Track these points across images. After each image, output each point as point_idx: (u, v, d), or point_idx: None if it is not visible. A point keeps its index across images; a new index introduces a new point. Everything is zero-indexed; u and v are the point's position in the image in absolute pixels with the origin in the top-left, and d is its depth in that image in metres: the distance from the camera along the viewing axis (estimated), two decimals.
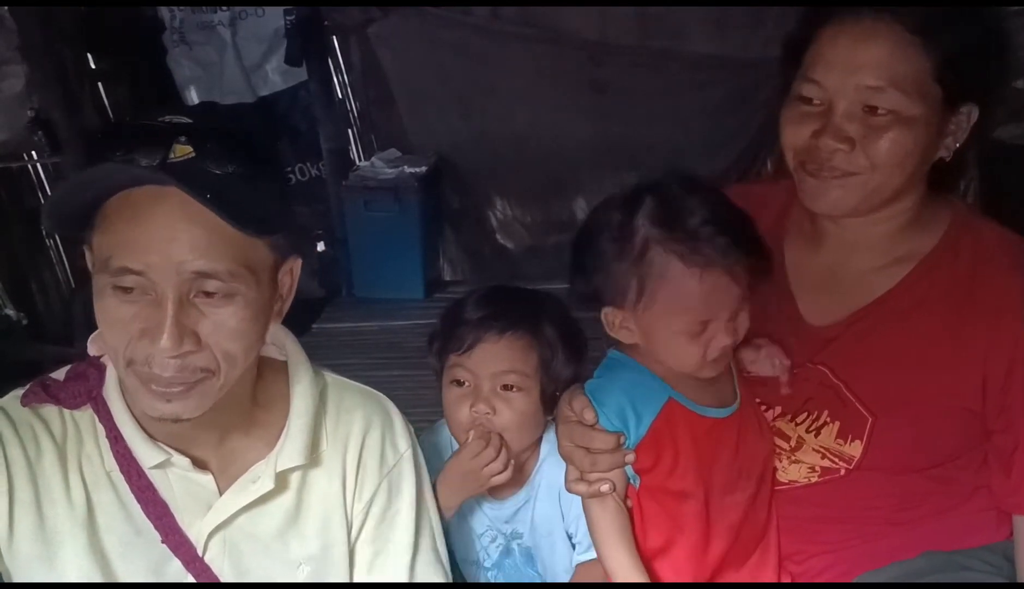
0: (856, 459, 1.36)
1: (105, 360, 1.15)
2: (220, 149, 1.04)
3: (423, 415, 1.62)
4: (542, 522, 1.50)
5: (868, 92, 1.27)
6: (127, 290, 1.01)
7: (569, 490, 1.37)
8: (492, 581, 1.54)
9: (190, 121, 1.07)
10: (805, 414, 1.40)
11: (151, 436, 1.11)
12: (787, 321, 1.44)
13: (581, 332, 1.49)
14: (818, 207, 1.37)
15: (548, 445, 1.50)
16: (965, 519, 1.38)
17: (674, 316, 1.28)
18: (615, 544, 1.34)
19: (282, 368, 1.23)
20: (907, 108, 1.27)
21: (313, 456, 1.19)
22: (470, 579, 1.55)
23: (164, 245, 1.00)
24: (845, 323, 1.40)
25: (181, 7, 4.38)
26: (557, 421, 1.42)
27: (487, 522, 1.52)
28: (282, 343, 1.25)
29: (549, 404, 1.45)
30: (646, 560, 1.36)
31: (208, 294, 1.03)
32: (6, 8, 3.52)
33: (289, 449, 1.16)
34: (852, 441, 1.36)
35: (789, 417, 1.42)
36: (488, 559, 1.53)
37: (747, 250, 1.28)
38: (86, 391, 1.13)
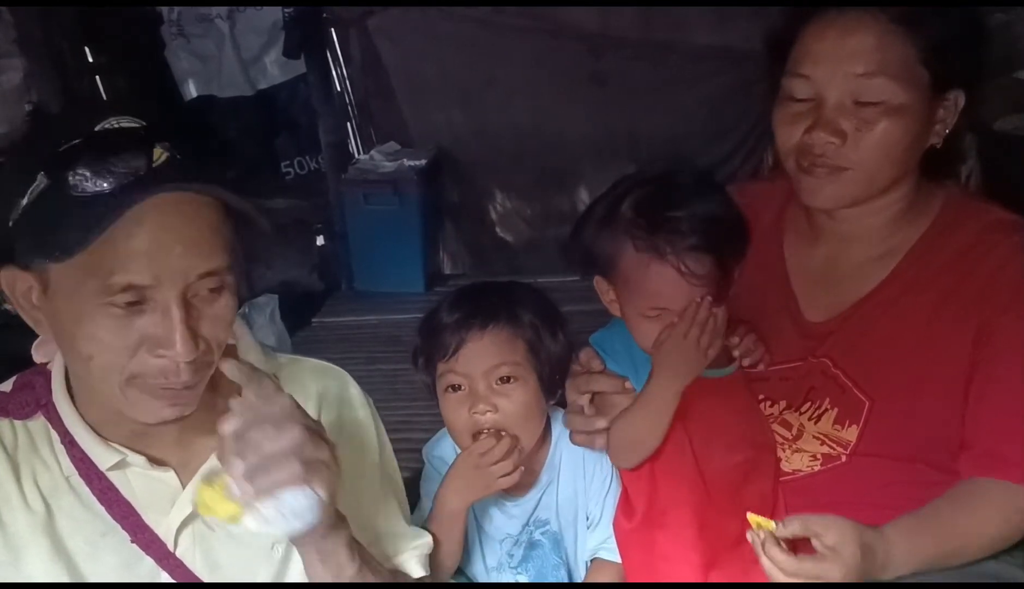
0: (852, 444, 1.38)
1: (51, 366, 1.14)
2: (183, 146, 1.04)
3: (424, 409, 1.62)
4: (566, 504, 1.50)
5: (857, 81, 1.30)
6: (129, 305, 0.99)
7: (576, 442, 1.43)
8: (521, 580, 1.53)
9: (142, 123, 1.05)
10: (808, 404, 1.42)
11: (104, 438, 1.10)
12: (789, 319, 1.47)
13: (555, 305, 1.49)
14: (816, 203, 1.41)
15: (559, 426, 1.51)
16: None
17: (632, 296, 1.36)
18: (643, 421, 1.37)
19: (233, 353, 1.21)
20: (895, 96, 1.30)
21: None
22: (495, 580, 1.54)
23: (165, 253, 0.99)
24: (842, 317, 1.42)
25: None
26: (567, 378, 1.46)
27: (505, 528, 1.51)
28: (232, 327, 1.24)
29: (548, 388, 1.45)
30: (651, 527, 1.39)
31: (209, 291, 1.03)
32: None
33: None
34: (849, 426, 1.38)
35: (793, 409, 1.43)
36: (512, 560, 1.51)
37: (709, 253, 1.32)
38: (35, 400, 1.12)
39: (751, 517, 1.23)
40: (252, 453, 0.95)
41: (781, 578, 1.21)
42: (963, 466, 1.32)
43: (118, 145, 1.01)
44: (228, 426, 0.97)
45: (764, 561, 1.21)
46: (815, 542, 1.21)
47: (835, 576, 1.19)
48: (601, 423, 1.38)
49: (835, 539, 1.20)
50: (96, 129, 1.03)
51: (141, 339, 1.01)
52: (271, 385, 1.01)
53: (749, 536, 1.23)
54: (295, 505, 0.96)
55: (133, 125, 1.04)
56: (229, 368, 1.02)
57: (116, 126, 1.04)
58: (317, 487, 0.97)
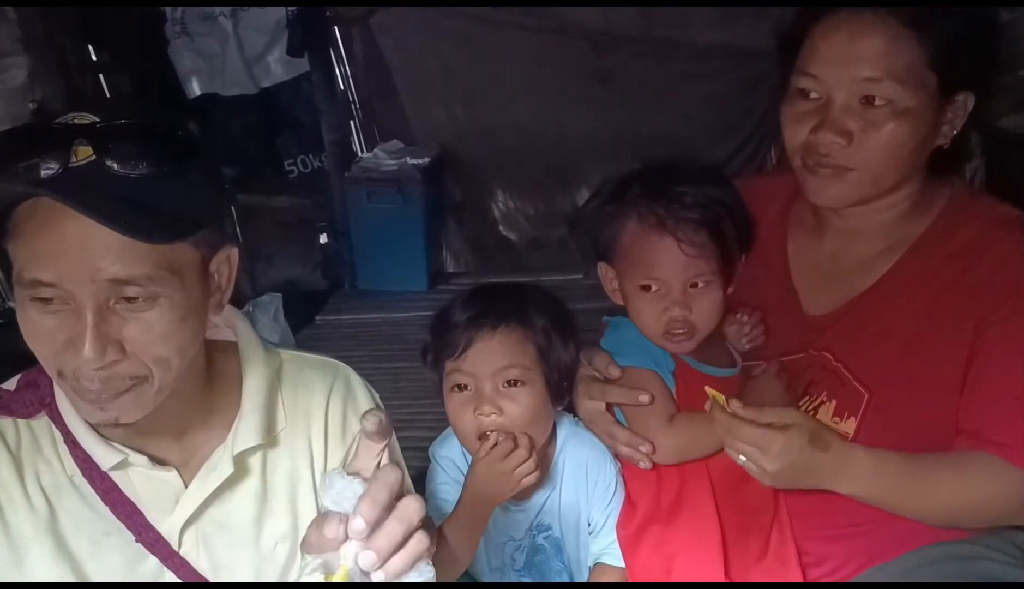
0: (851, 437, 1.38)
1: None
2: (125, 149, 0.97)
3: (428, 407, 1.62)
4: (568, 510, 1.49)
5: (864, 83, 1.31)
6: (45, 301, 0.97)
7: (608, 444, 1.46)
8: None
9: (96, 119, 0.99)
10: (807, 397, 1.44)
11: (106, 438, 1.10)
12: (789, 313, 1.49)
13: (570, 312, 1.48)
14: (820, 202, 1.42)
15: (564, 430, 1.50)
16: None
17: (631, 268, 1.41)
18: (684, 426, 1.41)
19: (234, 349, 1.20)
20: (903, 99, 1.30)
21: (272, 435, 1.17)
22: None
23: (75, 253, 0.95)
24: (843, 310, 1.43)
25: None
26: (576, 385, 1.47)
27: (509, 531, 1.49)
28: (232, 324, 1.22)
29: (556, 394, 1.43)
30: (661, 525, 1.41)
31: (129, 299, 0.98)
32: None
33: (244, 430, 1.14)
34: (847, 418, 1.39)
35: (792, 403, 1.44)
36: (515, 563, 1.51)
37: (707, 229, 1.37)
38: (38, 399, 1.11)
39: (708, 390, 1.27)
40: (383, 540, 0.83)
41: (726, 437, 1.26)
42: (958, 447, 1.33)
43: (44, 138, 0.97)
44: (358, 523, 0.82)
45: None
46: None
47: (774, 447, 1.23)
48: (644, 398, 1.40)
49: (787, 420, 1.25)
50: (55, 122, 1.00)
51: (61, 337, 0.99)
52: (393, 468, 0.86)
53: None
54: (418, 580, 0.88)
55: (83, 122, 0.99)
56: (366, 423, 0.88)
57: (67, 122, 0.99)
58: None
